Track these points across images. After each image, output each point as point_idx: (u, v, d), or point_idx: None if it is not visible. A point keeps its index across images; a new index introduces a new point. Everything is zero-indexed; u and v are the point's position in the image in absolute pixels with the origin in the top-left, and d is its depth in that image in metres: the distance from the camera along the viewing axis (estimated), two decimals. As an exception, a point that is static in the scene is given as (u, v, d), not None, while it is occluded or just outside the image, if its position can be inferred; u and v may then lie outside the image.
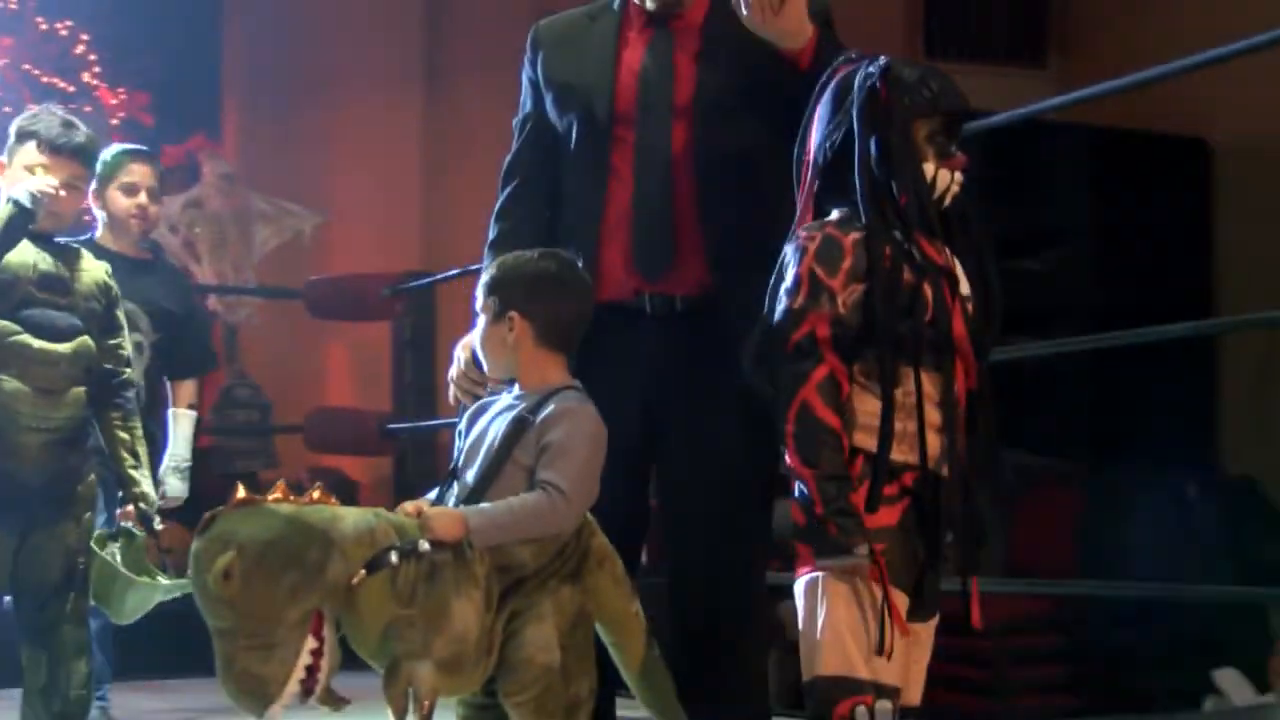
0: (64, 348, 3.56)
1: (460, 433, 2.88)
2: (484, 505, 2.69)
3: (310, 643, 2.47)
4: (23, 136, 3.64)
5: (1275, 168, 6.91)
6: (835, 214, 2.74)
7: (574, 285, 2.85)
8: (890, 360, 2.65)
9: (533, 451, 2.71)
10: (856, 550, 2.60)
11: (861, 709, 2.59)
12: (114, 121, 7.54)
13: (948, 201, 2.74)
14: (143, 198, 4.60)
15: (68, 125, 3.66)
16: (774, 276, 2.74)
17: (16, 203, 3.51)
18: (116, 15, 7.78)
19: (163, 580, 3.64)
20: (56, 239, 3.67)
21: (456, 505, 2.74)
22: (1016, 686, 5.83)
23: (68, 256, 3.67)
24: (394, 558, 2.54)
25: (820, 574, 2.65)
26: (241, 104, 8.87)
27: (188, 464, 4.59)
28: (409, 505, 2.72)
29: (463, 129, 8.80)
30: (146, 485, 3.71)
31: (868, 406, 2.65)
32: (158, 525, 3.71)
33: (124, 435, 3.69)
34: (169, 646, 4.05)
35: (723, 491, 3.05)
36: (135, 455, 3.70)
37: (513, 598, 2.68)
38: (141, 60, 7.91)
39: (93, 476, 3.67)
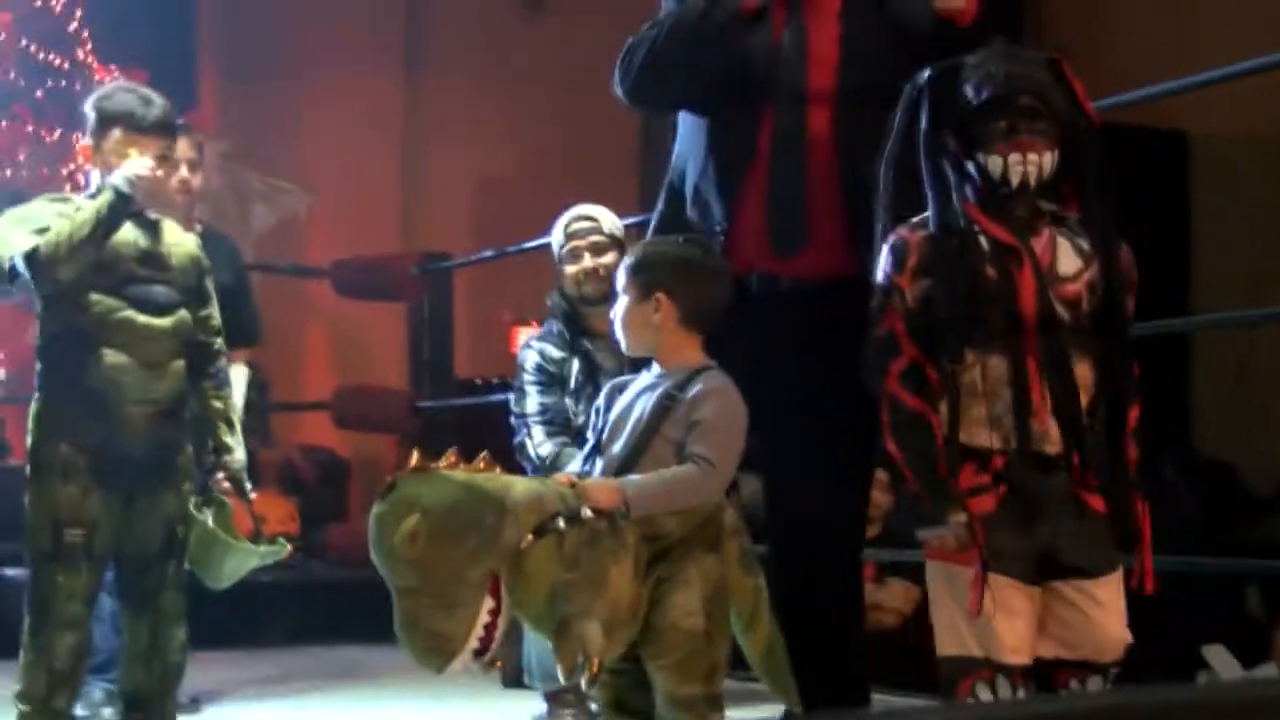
0: (165, 322, 3.63)
1: (599, 409, 3.00)
2: (637, 476, 2.82)
3: (488, 603, 2.59)
4: (105, 122, 3.64)
5: (1253, 160, 7.13)
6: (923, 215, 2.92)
7: (717, 271, 2.99)
8: (956, 348, 2.82)
9: (683, 426, 2.84)
10: (951, 520, 2.79)
11: (981, 685, 2.77)
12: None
13: (1032, 184, 2.84)
14: (184, 171, 4.54)
15: (145, 101, 3.65)
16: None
17: (117, 190, 3.55)
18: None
19: (259, 547, 3.74)
20: (148, 214, 3.70)
21: (605, 477, 2.86)
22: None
23: (158, 231, 3.73)
24: (561, 523, 2.66)
25: (937, 561, 2.83)
26: (220, 83, 8.87)
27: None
28: (560, 477, 2.85)
29: (443, 110, 8.90)
30: (240, 453, 3.78)
31: (942, 395, 2.84)
32: (250, 492, 3.80)
33: (218, 404, 3.77)
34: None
35: (820, 472, 3.19)
36: (230, 423, 3.78)
37: (659, 565, 2.81)
38: (132, 38, 7.86)
39: (190, 447, 3.75)
